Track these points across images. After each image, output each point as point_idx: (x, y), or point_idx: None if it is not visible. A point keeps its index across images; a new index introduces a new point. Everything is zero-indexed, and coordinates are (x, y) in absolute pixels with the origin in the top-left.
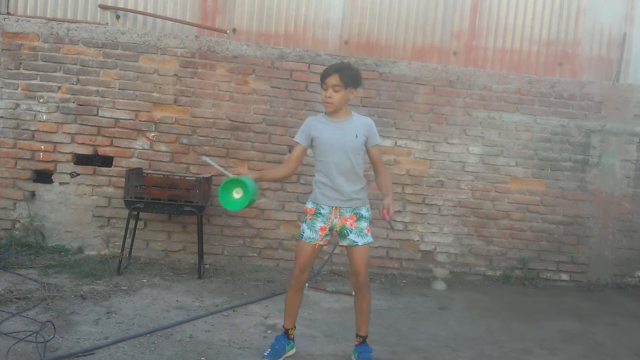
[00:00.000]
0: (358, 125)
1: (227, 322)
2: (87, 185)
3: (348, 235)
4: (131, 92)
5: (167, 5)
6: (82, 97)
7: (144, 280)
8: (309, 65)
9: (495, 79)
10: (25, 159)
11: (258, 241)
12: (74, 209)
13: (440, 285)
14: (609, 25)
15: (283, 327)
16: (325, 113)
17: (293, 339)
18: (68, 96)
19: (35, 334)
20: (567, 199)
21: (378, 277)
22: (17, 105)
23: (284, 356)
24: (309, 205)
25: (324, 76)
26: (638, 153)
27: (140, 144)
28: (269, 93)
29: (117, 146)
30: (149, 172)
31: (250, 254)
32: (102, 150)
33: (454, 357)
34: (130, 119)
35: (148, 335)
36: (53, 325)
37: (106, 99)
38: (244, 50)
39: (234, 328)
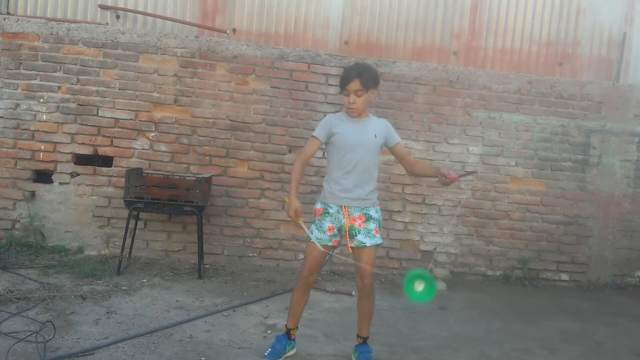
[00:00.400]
0: (377, 126)
1: (227, 322)
2: (87, 185)
3: (356, 235)
4: (131, 92)
5: (167, 5)
6: (82, 97)
7: (144, 280)
8: (309, 65)
9: (495, 79)
10: (25, 159)
11: (258, 241)
12: (74, 209)
13: (440, 285)
14: (609, 25)
15: (285, 327)
16: (344, 112)
17: (294, 340)
18: (68, 96)
19: (35, 334)
20: (567, 199)
21: (378, 277)
22: (17, 105)
23: (284, 356)
24: (318, 206)
25: (345, 83)
26: (638, 153)
27: (140, 144)
28: (269, 93)
29: (117, 146)
30: (149, 172)
31: (250, 254)
32: (102, 150)
33: (454, 357)
34: (130, 119)
35: (148, 335)
36: (53, 325)
37: (106, 99)
38: (244, 50)
39: (234, 328)
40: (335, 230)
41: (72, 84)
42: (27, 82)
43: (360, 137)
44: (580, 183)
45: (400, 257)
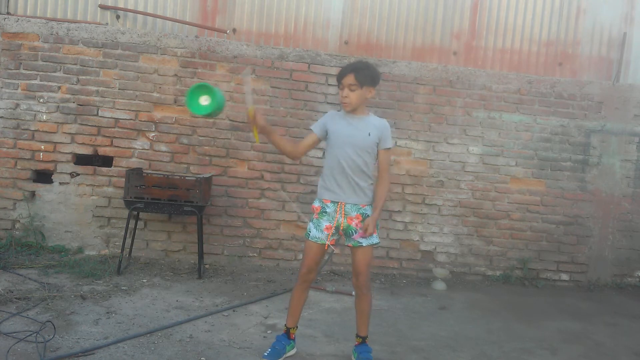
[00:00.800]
0: (373, 125)
1: (227, 322)
2: (87, 185)
3: (353, 235)
4: (131, 92)
5: (167, 5)
6: (82, 97)
7: (144, 280)
8: (309, 65)
9: (495, 79)
10: (25, 159)
11: (258, 241)
12: (74, 209)
13: (440, 285)
14: (608, 25)
15: (285, 326)
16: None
17: (294, 339)
18: (68, 96)
19: (35, 334)
20: (567, 199)
21: (378, 277)
22: (17, 105)
23: (284, 356)
24: (316, 204)
25: (340, 77)
26: (638, 153)
27: (140, 144)
28: (269, 93)
29: (117, 146)
30: (149, 172)
31: (250, 254)
32: (102, 150)
33: (454, 357)
34: (130, 119)
35: (148, 335)
36: (53, 325)
37: (106, 99)
38: (244, 50)
39: (234, 328)
40: (333, 229)
41: (72, 84)
42: (27, 82)
43: (352, 134)
44: (580, 183)
45: (400, 257)
